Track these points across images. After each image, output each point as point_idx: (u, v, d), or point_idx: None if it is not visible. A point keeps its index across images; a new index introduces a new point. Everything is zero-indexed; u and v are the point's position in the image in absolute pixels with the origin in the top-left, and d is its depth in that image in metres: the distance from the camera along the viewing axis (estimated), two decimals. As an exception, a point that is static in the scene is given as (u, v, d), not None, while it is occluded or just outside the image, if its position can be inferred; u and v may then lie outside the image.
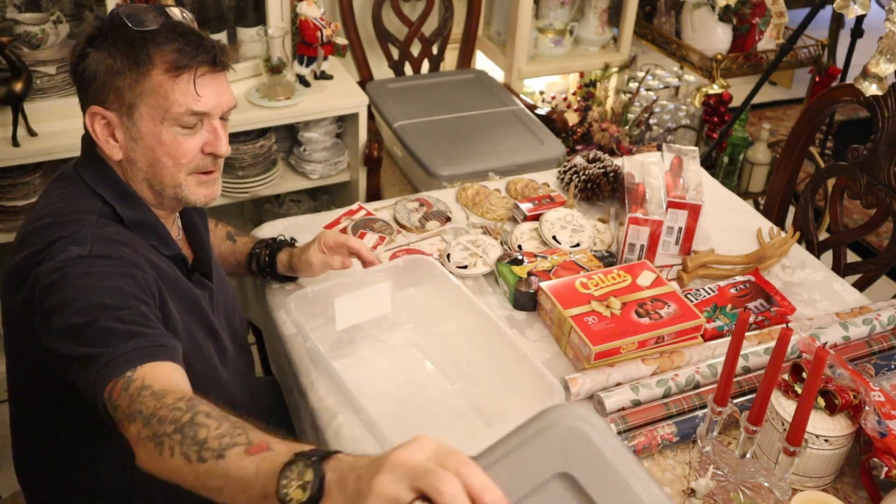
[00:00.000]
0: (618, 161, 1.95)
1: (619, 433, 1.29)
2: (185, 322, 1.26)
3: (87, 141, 1.24)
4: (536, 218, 1.80)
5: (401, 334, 1.51)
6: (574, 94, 3.31)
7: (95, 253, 1.12)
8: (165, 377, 1.01)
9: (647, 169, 1.76)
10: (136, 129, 1.19)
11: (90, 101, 1.19)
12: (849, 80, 2.18)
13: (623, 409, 1.35)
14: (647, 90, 3.30)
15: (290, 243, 1.58)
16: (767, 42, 3.12)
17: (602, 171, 1.91)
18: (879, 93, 1.49)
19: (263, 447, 0.87)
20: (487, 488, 0.70)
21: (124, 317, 1.06)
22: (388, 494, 0.70)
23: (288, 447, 0.86)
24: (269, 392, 1.67)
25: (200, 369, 1.29)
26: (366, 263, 1.51)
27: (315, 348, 1.34)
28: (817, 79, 3.24)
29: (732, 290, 1.61)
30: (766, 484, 1.18)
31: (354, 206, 1.85)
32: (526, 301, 1.58)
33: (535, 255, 1.66)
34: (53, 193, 1.25)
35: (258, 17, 2.48)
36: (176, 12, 1.22)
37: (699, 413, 1.33)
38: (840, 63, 3.19)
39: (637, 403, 1.36)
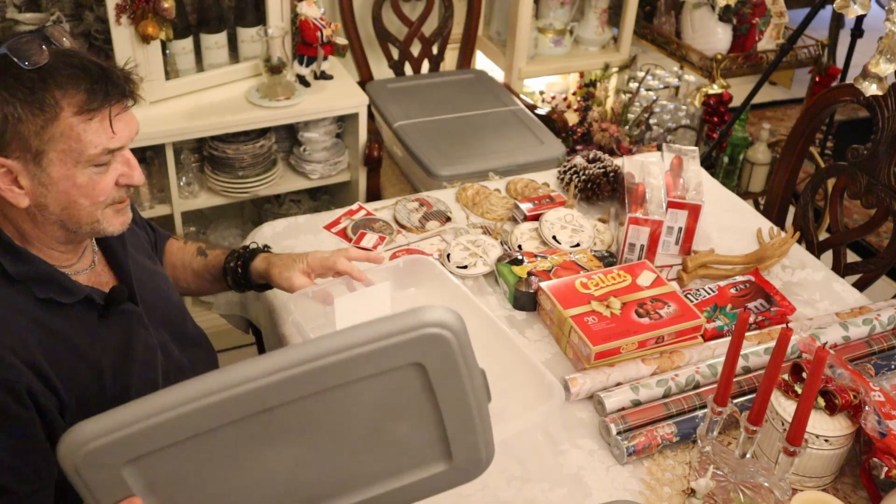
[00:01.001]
0: (618, 161, 1.95)
1: (619, 433, 1.30)
2: (106, 368, 1.22)
3: None
4: (536, 218, 1.80)
5: None
6: (574, 94, 3.31)
7: None
8: None
9: (647, 169, 1.76)
10: (47, 175, 1.10)
11: None
12: (849, 80, 2.18)
13: (623, 409, 1.35)
14: (647, 90, 3.30)
15: (264, 249, 1.51)
16: (767, 42, 3.12)
17: (602, 171, 1.91)
18: (879, 93, 1.49)
19: None
20: None
21: None
22: None
23: None
24: None
25: (140, 393, 1.26)
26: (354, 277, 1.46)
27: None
28: (817, 79, 3.24)
29: (732, 290, 1.61)
30: (766, 484, 1.18)
31: (354, 206, 1.86)
32: (526, 301, 1.58)
33: (535, 255, 1.66)
34: None
35: (258, 17, 2.48)
36: (60, 37, 1.12)
37: (699, 413, 1.33)
38: (840, 63, 3.19)
39: (637, 403, 1.36)
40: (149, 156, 2.39)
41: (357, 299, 1.44)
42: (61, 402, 1.17)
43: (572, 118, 3.10)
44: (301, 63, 2.49)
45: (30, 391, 1.12)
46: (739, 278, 1.65)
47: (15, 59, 1.06)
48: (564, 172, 1.97)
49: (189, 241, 1.57)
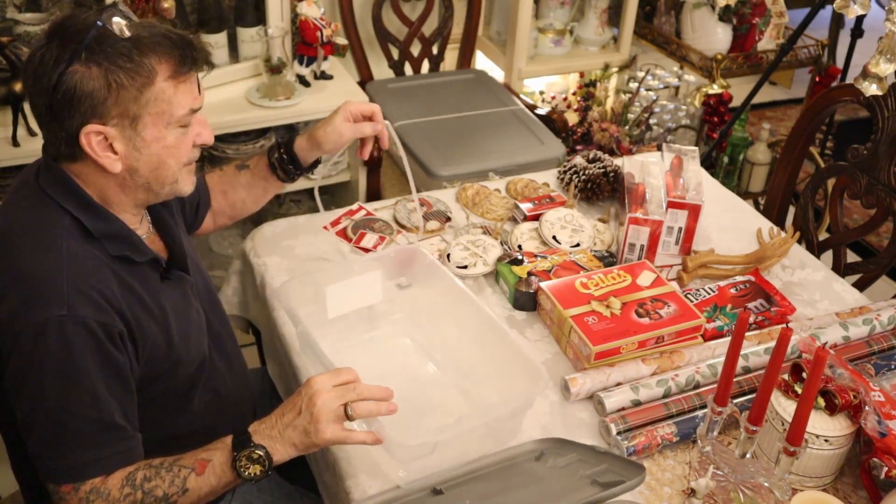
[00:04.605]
0: (618, 161, 1.95)
1: (619, 433, 1.30)
2: (172, 328, 1.26)
3: (50, 154, 1.21)
4: (536, 218, 1.80)
5: (390, 324, 1.53)
6: (574, 94, 3.31)
7: (72, 329, 1.12)
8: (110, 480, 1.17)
9: (647, 169, 1.76)
10: (141, 139, 1.17)
11: (83, 120, 1.13)
12: (849, 80, 2.18)
13: (623, 409, 1.35)
14: (647, 90, 3.30)
15: (294, 136, 1.59)
16: (767, 42, 3.12)
17: (602, 171, 1.91)
18: (879, 93, 1.49)
19: (205, 463, 1.16)
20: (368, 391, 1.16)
21: (85, 425, 1.15)
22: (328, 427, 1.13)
23: (221, 449, 1.17)
24: (258, 381, 1.69)
25: (195, 360, 1.32)
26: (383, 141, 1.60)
27: (306, 332, 1.32)
28: (817, 79, 3.24)
29: (732, 290, 1.61)
30: (766, 484, 1.18)
31: (354, 206, 1.86)
32: (526, 301, 1.58)
33: (535, 255, 1.66)
34: (19, 203, 1.22)
35: (258, 17, 2.48)
36: (130, 13, 1.18)
37: (699, 413, 1.33)
38: (840, 63, 3.19)
39: (637, 403, 1.36)
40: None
41: (348, 288, 1.44)
42: (138, 355, 1.21)
43: (572, 118, 3.10)
44: (301, 63, 2.49)
45: (121, 337, 1.17)
46: (739, 278, 1.65)
47: (116, 32, 1.13)
48: (564, 172, 1.96)
49: (224, 166, 1.62)
